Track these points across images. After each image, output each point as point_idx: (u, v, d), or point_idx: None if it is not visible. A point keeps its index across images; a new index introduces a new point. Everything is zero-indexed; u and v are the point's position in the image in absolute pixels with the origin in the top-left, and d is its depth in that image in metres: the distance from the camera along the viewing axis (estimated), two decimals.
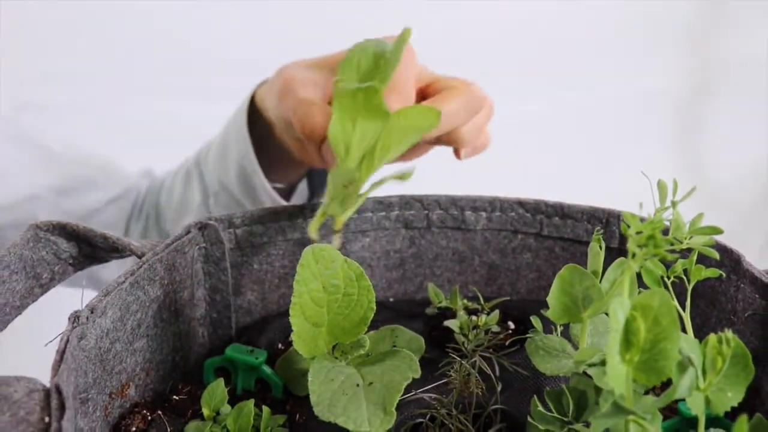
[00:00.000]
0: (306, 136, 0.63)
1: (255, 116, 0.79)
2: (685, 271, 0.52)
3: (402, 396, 0.48)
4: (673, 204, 0.48)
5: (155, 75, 1.58)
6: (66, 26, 1.53)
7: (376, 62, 0.60)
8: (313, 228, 0.59)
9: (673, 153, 1.90)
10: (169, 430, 0.53)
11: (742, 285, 0.55)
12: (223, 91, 1.60)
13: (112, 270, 0.93)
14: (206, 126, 1.55)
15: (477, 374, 0.54)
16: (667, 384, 0.45)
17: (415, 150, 0.72)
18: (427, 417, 0.53)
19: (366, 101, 0.55)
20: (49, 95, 1.48)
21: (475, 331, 0.58)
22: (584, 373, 0.46)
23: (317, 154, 0.63)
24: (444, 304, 0.65)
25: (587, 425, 0.45)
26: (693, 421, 0.47)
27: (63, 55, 1.54)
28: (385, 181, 0.61)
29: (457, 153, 0.68)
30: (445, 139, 0.65)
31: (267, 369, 0.57)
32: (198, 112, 1.59)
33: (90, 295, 0.52)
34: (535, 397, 0.48)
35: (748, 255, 0.56)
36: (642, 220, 0.41)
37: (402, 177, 0.61)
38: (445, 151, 0.72)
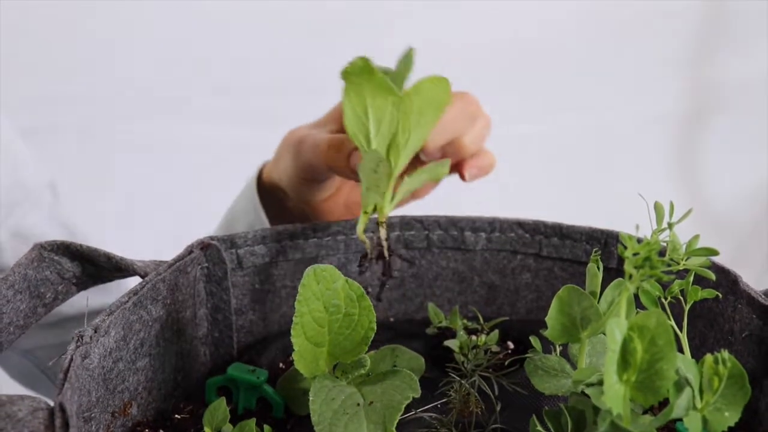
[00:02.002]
0: (333, 157, 0.65)
1: (263, 194, 0.80)
2: (682, 291, 0.52)
3: (402, 415, 0.48)
4: (670, 225, 0.49)
5: (156, 96, 1.59)
6: (66, 49, 1.54)
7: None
8: (360, 229, 0.60)
9: (673, 175, 1.91)
10: None
11: (740, 305, 0.55)
12: (227, 112, 1.62)
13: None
14: (208, 147, 1.56)
15: (476, 394, 0.55)
16: (664, 404, 0.45)
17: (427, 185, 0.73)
18: None
19: (368, 79, 0.56)
20: (48, 119, 1.49)
21: (474, 350, 0.59)
22: (583, 392, 0.47)
23: (349, 170, 0.64)
24: (444, 323, 0.65)
25: None
26: None
27: (62, 79, 1.55)
28: (421, 176, 0.61)
29: (461, 174, 0.69)
30: (450, 151, 0.66)
31: (268, 388, 0.57)
32: (199, 133, 1.61)
33: None
34: (534, 416, 0.48)
35: (749, 276, 0.57)
36: (639, 241, 0.42)
37: (437, 174, 0.62)
38: None
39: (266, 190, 0.79)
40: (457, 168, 0.70)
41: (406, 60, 0.63)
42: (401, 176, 0.63)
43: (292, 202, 0.77)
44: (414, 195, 0.75)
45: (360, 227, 0.61)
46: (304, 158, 0.68)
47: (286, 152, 0.72)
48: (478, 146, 0.68)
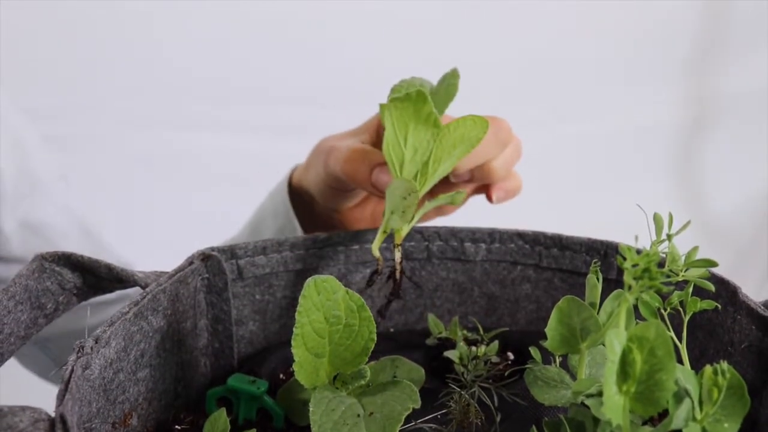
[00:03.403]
0: (353, 168, 0.65)
1: (292, 197, 0.80)
2: (681, 302, 0.52)
3: (402, 426, 0.48)
4: (669, 237, 0.49)
5: (163, 107, 1.60)
6: (71, 59, 1.55)
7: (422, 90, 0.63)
8: (375, 246, 0.62)
9: (672, 184, 1.91)
10: None
11: (739, 317, 0.55)
12: (233, 122, 1.62)
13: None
14: (215, 156, 1.56)
15: (476, 404, 0.55)
16: (664, 415, 0.45)
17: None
18: None
19: (416, 110, 0.57)
20: (54, 130, 1.50)
21: (474, 361, 0.59)
22: (582, 403, 0.47)
23: (369, 186, 0.65)
24: (444, 334, 0.65)
25: None
26: None
27: (68, 89, 1.55)
28: (439, 202, 0.63)
29: (489, 195, 0.70)
30: (478, 174, 0.67)
31: (268, 399, 0.57)
32: (206, 143, 1.61)
33: None
34: (533, 427, 0.48)
35: (749, 287, 0.57)
36: (638, 252, 0.42)
37: (453, 201, 0.64)
38: None
39: (295, 195, 0.80)
40: (484, 189, 0.71)
41: (450, 86, 0.64)
42: (421, 200, 0.63)
43: (320, 208, 0.77)
44: (439, 212, 0.76)
45: (376, 244, 0.62)
46: (331, 168, 0.69)
47: (317, 160, 0.73)
48: (507, 171, 0.69)
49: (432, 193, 0.66)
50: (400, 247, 0.63)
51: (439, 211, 0.76)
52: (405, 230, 0.62)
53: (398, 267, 0.63)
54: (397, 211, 0.60)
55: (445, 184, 0.67)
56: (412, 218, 0.62)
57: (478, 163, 0.66)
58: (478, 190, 0.73)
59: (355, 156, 0.65)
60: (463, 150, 0.61)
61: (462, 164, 0.64)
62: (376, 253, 0.62)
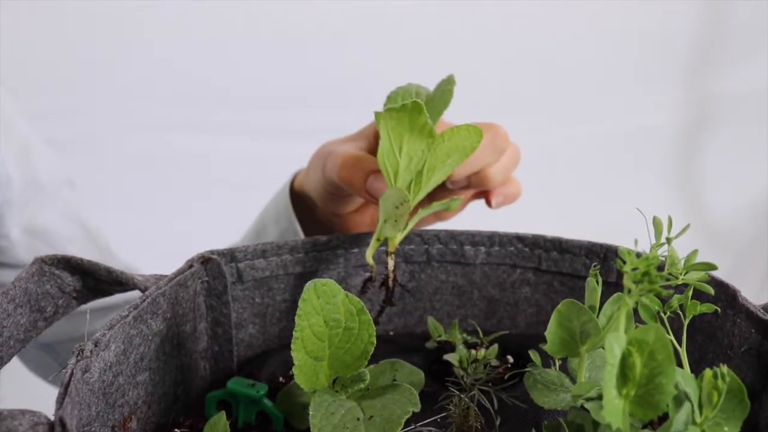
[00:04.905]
0: (347, 174, 0.65)
1: (294, 202, 0.80)
2: (681, 306, 0.52)
3: (402, 429, 0.48)
4: (668, 240, 0.49)
5: (163, 109, 1.60)
6: (71, 62, 1.55)
7: (418, 98, 0.64)
8: (369, 254, 0.62)
9: (672, 187, 1.91)
10: None
11: (739, 320, 0.55)
12: (234, 124, 1.62)
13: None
14: (215, 159, 1.56)
15: (476, 408, 0.55)
16: (663, 418, 0.45)
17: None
18: None
19: (411, 121, 0.58)
20: (53, 132, 1.50)
21: (474, 364, 0.59)
22: (582, 407, 0.47)
23: (364, 193, 0.65)
24: (444, 337, 0.65)
25: None
26: None
27: (67, 91, 1.55)
28: (433, 209, 0.63)
29: (488, 201, 0.70)
30: (475, 181, 0.67)
31: (268, 402, 0.57)
32: (206, 145, 1.61)
33: None
34: (533, 430, 0.48)
35: (749, 290, 0.57)
36: (638, 255, 0.42)
37: (449, 207, 0.64)
38: None
39: (297, 199, 0.80)
40: (484, 194, 0.71)
41: (446, 92, 0.64)
42: (416, 208, 0.64)
43: (321, 213, 0.78)
44: (438, 216, 0.77)
45: (369, 252, 0.62)
46: (328, 174, 0.69)
47: (316, 165, 0.73)
48: (505, 177, 0.69)
49: (428, 199, 0.67)
50: (393, 256, 0.63)
51: (438, 215, 0.76)
52: (398, 238, 0.62)
53: (391, 275, 0.63)
54: (390, 220, 0.60)
55: (443, 190, 0.67)
56: (405, 226, 0.62)
57: (475, 170, 0.66)
58: (477, 196, 0.74)
59: (351, 162, 0.66)
60: (457, 159, 0.61)
61: (458, 171, 0.64)
62: (370, 260, 0.63)
